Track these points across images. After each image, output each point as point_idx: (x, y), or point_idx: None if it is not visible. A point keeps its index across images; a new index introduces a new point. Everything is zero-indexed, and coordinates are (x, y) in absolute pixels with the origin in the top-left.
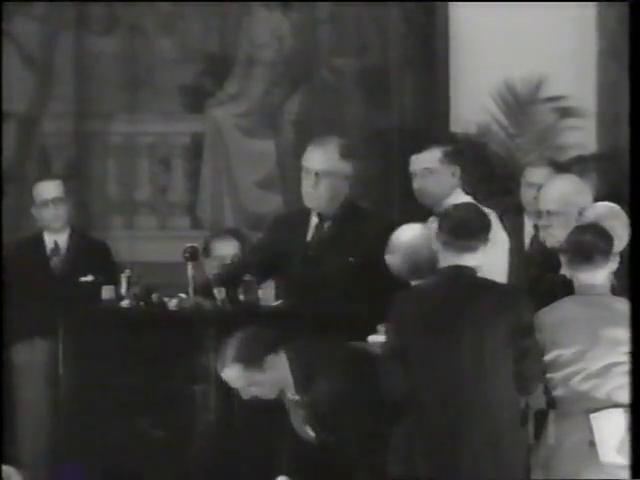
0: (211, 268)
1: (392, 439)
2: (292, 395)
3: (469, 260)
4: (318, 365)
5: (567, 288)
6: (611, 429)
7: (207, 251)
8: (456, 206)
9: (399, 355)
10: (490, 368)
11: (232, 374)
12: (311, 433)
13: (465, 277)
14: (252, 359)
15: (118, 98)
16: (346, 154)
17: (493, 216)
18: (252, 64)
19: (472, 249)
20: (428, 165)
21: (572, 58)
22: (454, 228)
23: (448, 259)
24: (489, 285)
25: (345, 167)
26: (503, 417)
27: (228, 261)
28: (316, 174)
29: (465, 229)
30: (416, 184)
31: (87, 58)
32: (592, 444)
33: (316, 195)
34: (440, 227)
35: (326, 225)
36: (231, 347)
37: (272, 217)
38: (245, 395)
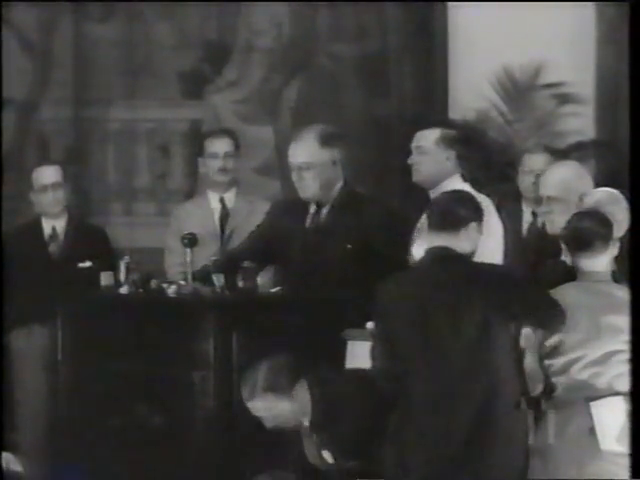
0: (204, 167)
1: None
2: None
3: (451, 240)
4: (342, 399)
5: (568, 274)
6: (611, 417)
7: (201, 150)
8: (446, 191)
9: (385, 342)
10: (470, 351)
11: (262, 404)
12: (330, 460)
13: (446, 258)
14: (283, 388)
15: (117, 84)
16: (327, 141)
17: (487, 203)
18: (251, 51)
19: (453, 227)
20: (422, 143)
21: (571, 44)
22: (438, 208)
23: (431, 240)
24: (470, 266)
25: (328, 154)
26: (492, 402)
27: (221, 158)
28: (299, 168)
29: (447, 207)
30: (410, 160)
31: (86, 44)
32: (592, 432)
33: (304, 187)
34: (427, 211)
35: (324, 211)
36: (261, 376)
37: (271, 204)
38: (268, 424)
